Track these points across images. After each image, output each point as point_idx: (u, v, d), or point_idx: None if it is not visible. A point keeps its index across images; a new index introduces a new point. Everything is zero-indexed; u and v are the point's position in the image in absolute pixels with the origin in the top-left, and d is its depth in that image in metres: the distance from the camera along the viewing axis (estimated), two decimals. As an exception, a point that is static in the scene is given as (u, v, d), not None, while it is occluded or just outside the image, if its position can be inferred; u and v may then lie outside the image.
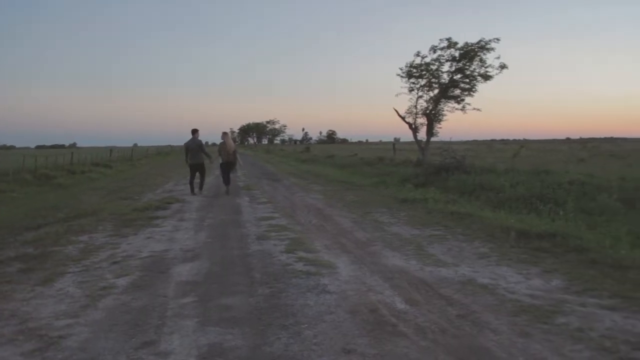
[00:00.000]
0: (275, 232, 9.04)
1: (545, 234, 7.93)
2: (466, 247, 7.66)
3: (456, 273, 6.22)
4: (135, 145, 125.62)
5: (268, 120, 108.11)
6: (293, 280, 5.97)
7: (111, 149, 37.66)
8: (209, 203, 13.65)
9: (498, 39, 20.80)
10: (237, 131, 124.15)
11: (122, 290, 5.74)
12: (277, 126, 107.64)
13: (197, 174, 15.95)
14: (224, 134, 16.31)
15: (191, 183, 15.95)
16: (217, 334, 4.39)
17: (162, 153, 67.83)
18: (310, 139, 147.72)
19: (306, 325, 4.55)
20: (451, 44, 21.54)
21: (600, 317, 4.69)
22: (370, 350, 4.01)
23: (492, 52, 20.92)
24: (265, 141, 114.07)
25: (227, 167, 16.00)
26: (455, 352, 3.97)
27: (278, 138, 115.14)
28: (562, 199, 11.06)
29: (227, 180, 15.90)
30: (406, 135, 23.49)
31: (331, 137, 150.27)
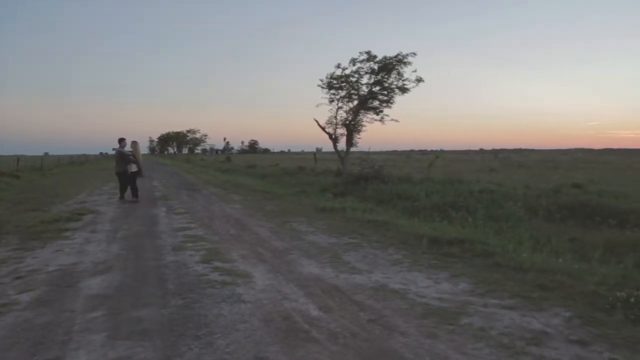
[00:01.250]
0: (191, 242, 8.90)
1: (455, 240, 8.29)
2: (380, 254, 7.87)
3: (369, 279, 6.38)
4: (46, 154, 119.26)
5: (189, 129, 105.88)
6: (208, 291, 5.91)
7: (18, 158, 35.48)
8: (124, 214, 13.22)
9: (415, 54, 21.53)
10: (156, 140, 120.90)
11: (24, 307, 5.45)
12: (197, 135, 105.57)
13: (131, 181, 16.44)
14: (134, 142, 16.83)
15: (120, 190, 16.52)
16: (127, 347, 4.28)
17: (76, 162, 64.87)
18: (232, 148, 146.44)
19: (219, 334, 4.52)
20: (370, 57, 22.06)
21: (501, 316, 4.97)
22: (282, 357, 4.05)
23: (409, 65, 21.63)
24: (185, 151, 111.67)
25: (135, 176, 16.46)
26: (365, 355, 4.08)
27: (199, 148, 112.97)
28: (473, 207, 11.61)
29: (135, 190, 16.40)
30: (328, 145, 23.80)
31: (253, 147, 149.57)
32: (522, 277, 6.33)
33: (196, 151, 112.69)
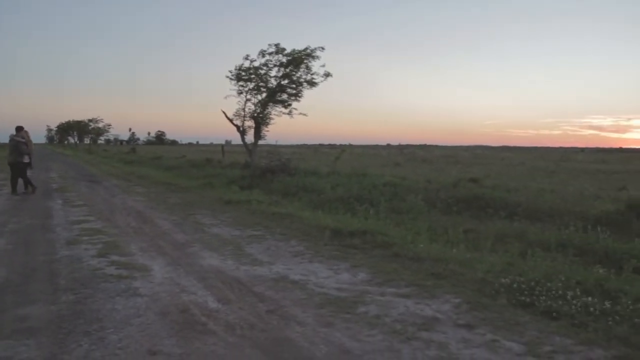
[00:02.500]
0: (88, 236, 8.51)
1: (357, 232, 8.50)
2: (283, 246, 7.93)
3: (270, 271, 6.42)
4: None
5: (91, 118, 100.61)
6: (102, 285, 5.69)
7: None
8: (15, 206, 12.42)
9: (323, 48, 21.71)
10: (54, 129, 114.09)
11: None
12: (100, 125, 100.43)
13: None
14: (23, 130, 15.51)
15: (11, 182, 15.30)
16: (8, 347, 4.03)
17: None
18: (138, 139, 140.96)
19: (112, 330, 4.38)
20: (279, 50, 22.01)
21: (396, 304, 5.17)
22: (176, 350, 3.99)
23: (317, 59, 21.80)
24: (87, 141, 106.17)
25: (26, 167, 15.46)
26: (262, 345, 4.11)
27: (102, 138, 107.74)
28: (377, 200, 11.94)
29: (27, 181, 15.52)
30: (237, 137, 23.44)
31: (160, 138, 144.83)
32: (418, 266, 6.60)
33: (99, 142, 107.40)
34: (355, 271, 6.46)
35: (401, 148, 77.20)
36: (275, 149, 22.09)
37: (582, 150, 78.63)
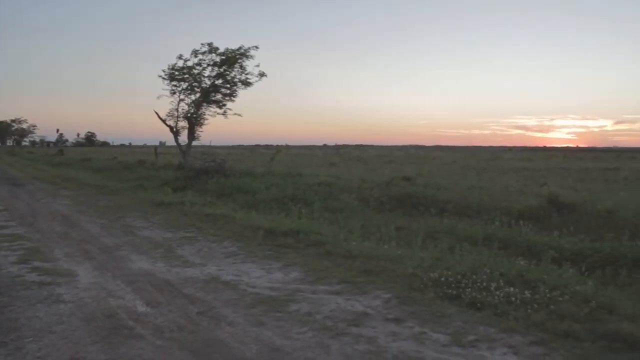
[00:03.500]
0: (8, 242, 8.09)
1: (290, 231, 8.51)
2: (216, 247, 7.83)
3: (202, 272, 6.32)
4: None
5: (13, 118, 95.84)
6: (22, 293, 5.43)
7: None
8: None
9: (257, 47, 21.59)
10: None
11: None
12: (25, 126, 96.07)
13: None
14: None
15: None
16: None
17: None
18: (66, 141, 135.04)
19: (31, 338, 4.18)
20: (212, 49, 21.72)
21: (327, 301, 5.21)
22: (101, 356, 3.87)
23: (251, 59, 21.66)
24: (10, 142, 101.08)
25: None
26: (191, 347, 4.05)
27: (27, 139, 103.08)
28: (311, 199, 12.00)
29: None
30: (172, 139, 22.94)
31: (90, 139, 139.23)
32: (350, 264, 6.68)
33: (24, 143, 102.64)
34: (287, 270, 6.46)
35: (337, 148, 77.92)
36: (209, 150, 21.78)
37: (510, 149, 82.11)
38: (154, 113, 22.83)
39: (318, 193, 12.95)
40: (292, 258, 7.09)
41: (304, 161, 31.10)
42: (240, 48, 21.58)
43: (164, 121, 22.76)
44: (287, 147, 77.68)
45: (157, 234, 8.86)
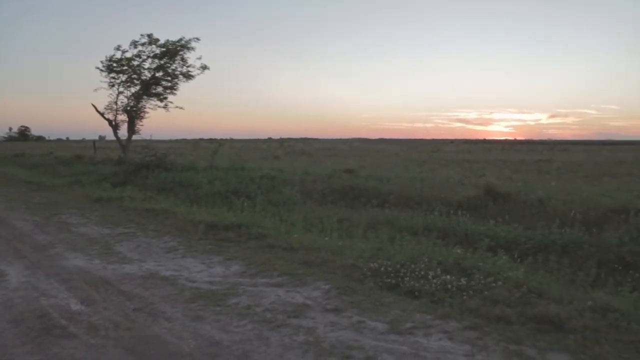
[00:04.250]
0: None
1: (232, 225, 8.43)
2: (155, 242, 7.68)
3: (140, 268, 6.19)
4: None
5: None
6: (-54, 295, 5.16)
7: None
8: None
9: (198, 39, 21.23)
10: None
11: None
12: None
13: None
14: None
15: None
16: None
17: None
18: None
19: (-47, 343, 3.99)
20: (152, 40, 21.19)
21: (267, 294, 5.21)
22: (31, 357, 3.74)
23: (193, 51, 21.27)
24: None
25: None
26: (127, 344, 3.96)
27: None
28: (254, 193, 11.94)
29: None
30: (112, 133, 22.28)
31: (24, 134, 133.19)
32: (291, 256, 6.69)
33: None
34: (228, 264, 6.41)
35: (282, 141, 77.62)
36: (151, 144, 21.28)
37: (452, 141, 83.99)
38: (92, 106, 22.15)
39: (261, 186, 12.89)
40: (233, 252, 7.03)
41: (247, 155, 30.85)
42: (181, 40, 21.17)
43: (102, 114, 22.08)
44: (232, 140, 76.96)
45: (94, 231, 8.59)
